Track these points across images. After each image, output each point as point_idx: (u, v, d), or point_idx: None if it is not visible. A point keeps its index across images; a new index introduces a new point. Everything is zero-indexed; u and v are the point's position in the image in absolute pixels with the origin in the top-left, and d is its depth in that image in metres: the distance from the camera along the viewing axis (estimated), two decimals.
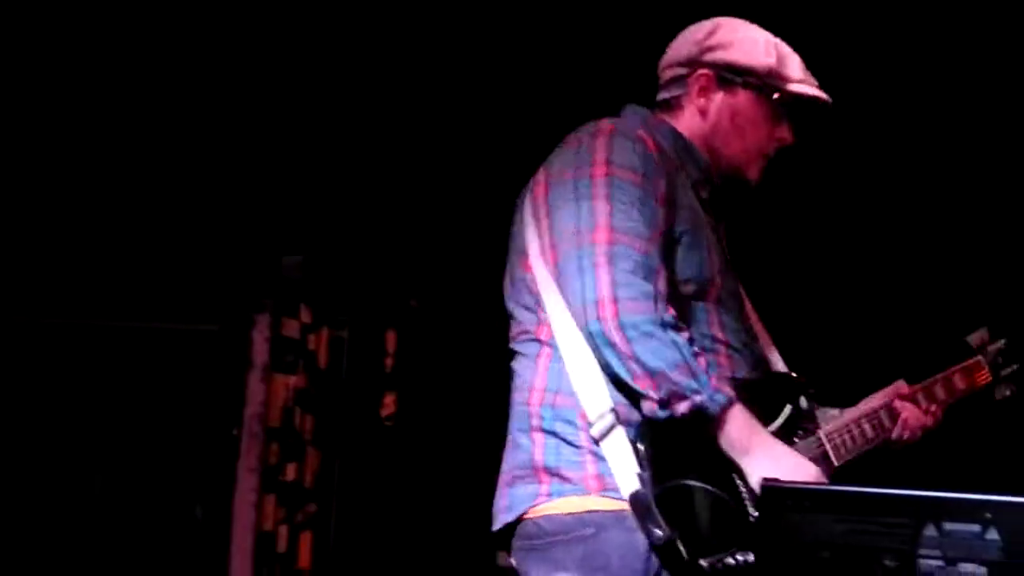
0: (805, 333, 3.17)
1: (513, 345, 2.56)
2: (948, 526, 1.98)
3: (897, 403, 2.72)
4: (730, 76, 2.61)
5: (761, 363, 2.62)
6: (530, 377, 2.46)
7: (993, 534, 1.96)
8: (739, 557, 2.23)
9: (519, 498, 2.41)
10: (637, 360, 2.25)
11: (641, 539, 2.24)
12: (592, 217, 2.34)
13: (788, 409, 2.53)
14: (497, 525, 2.45)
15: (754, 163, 2.65)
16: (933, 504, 2.02)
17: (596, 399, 2.32)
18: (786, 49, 2.66)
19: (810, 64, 2.69)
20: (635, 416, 2.30)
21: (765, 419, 2.42)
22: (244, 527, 4.36)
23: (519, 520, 2.40)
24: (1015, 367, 3.01)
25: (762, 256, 3.44)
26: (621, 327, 2.25)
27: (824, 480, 2.43)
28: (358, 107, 4.73)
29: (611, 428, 2.30)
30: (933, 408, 2.79)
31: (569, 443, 2.36)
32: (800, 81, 2.64)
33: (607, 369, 2.31)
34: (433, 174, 4.84)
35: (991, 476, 2.53)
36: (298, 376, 4.56)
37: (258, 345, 4.45)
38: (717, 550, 2.23)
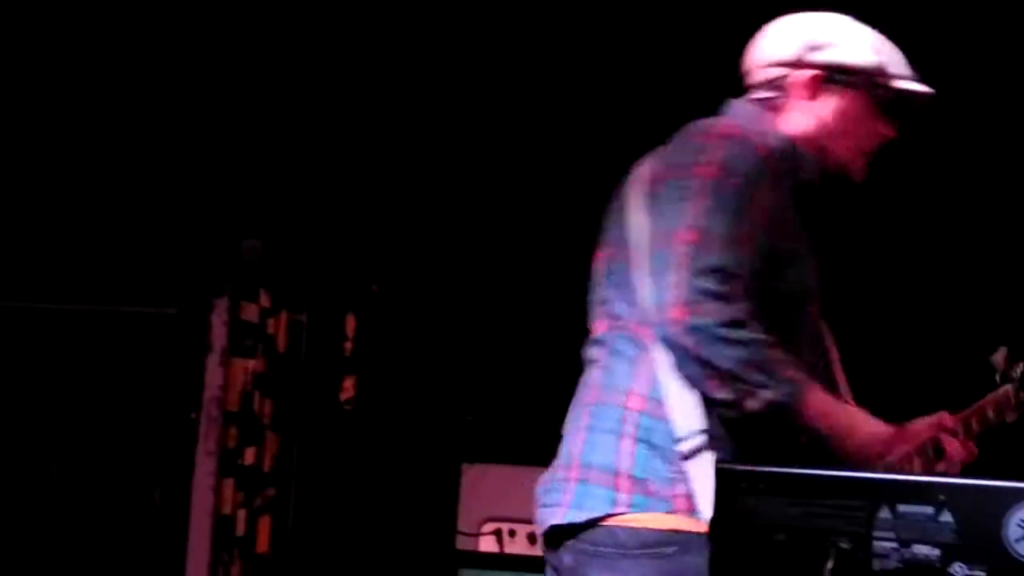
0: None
1: (603, 335, 2.48)
2: (902, 508, 2.00)
3: (943, 437, 2.58)
4: (839, 76, 2.54)
5: (833, 388, 2.57)
6: (627, 378, 2.39)
7: (947, 516, 1.99)
8: None
9: (593, 500, 2.34)
10: (706, 362, 2.22)
11: None
12: (688, 217, 2.29)
13: None
14: (557, 519, 2.38)
15: (860, 162, 2.59)
16: (887, 486, 2.04)
17: (687, 415, 2.28)
18: (888, 44, 2.59)
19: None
20: (719, 432, 2.28)
21: None
22: (202, 511, 4.35)
23: (588, 523, 2.34)
24: None
25: None
26: (692, 330, 2.22)
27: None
28: (318, 91, 4.72)
29: (700, 448, 2.26)
30: (970, 443, 2.66)
31: (662, 457, 2.31)
32: (905, 77, 2.58)
33: (681, 369, 2.28)
34: (394, 159, 4.83)
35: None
36: (257, 360, 4.55)
37: (217, 329, 4.43)
38: None
